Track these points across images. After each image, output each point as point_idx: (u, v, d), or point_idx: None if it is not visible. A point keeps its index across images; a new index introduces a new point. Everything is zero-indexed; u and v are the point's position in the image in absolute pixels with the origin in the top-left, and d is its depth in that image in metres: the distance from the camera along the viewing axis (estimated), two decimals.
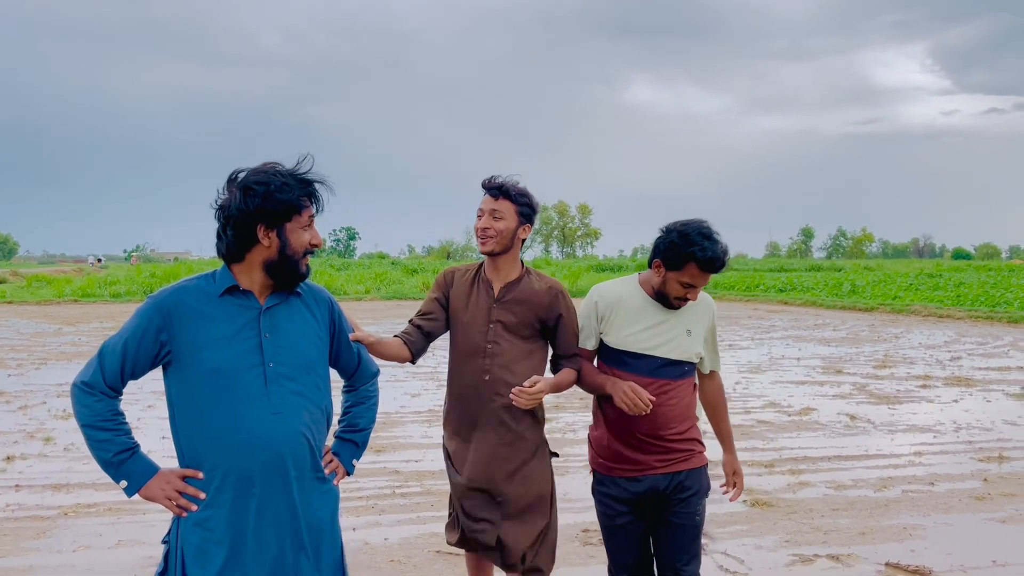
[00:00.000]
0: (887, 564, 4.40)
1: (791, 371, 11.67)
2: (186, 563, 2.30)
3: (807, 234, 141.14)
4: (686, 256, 2.83)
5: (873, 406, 9.06)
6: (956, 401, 9.39)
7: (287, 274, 2.36)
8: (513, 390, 2.91)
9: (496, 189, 3.08)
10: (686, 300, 2.94)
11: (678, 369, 2.99)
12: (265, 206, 2.27)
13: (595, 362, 3.17)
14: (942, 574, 4.25)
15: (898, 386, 10.42)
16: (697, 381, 3.14)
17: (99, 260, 73.07)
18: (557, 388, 3.07)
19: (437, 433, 7.45)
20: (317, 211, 2.40)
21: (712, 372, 3.17)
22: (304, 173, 2.37)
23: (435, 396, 9.43)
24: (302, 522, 2.36)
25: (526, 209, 3.11)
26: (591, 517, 5.07)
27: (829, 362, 12.66)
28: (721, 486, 3.22)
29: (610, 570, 3.16)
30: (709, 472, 3.14)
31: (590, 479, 5.86)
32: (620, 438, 3.01)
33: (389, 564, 4.38)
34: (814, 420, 8.25)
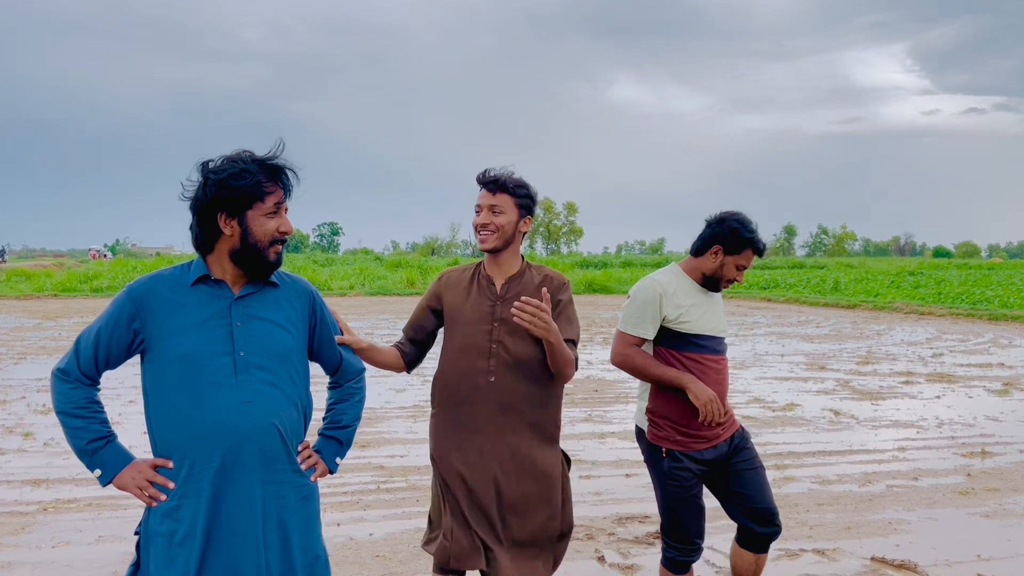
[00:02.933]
0: (873, 558, 4.41)
1: (775, 367, 11.71)
2: (153, 553, 2.27)
3: (789, 232, 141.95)
4: (745, 242, 3.20)
5: (856, 402, 9.10)
6: (939, 397, 9.45)
7: (254, 263, 2.30)
8: (519, 301, 2.66)
9: (493, 183, 2.90)
10: (732, 283, 3.29)
11: (724, 343, 3.37)
12: (221, 194, 2.24)
13: (650, 349, 3.29)
14: (927, 568, 4.26)
15: (881, 382, 10.47)
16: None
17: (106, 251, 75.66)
18: (559, 348, 2.78)
19: (422, 428, 7.41)
20: (285, 197, 2.33)
21: None
22: (268, 159, 2.30)
23: (420, 392, 9.38)
24: (272, 516, 2.31)
25: (526, 200, 2.93)
26: (578, 512, 5.04)
27: (812, 358, 12.71)
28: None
29: (678, 538, 3.27)
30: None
31: (578, 474, 5.89)
32: (691, 417, 3.20)
33: (374, 559, 4.34)
34: (798, 416, 8.28)
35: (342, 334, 2.66)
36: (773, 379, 10.60)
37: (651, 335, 3.23)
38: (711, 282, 3.29)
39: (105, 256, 69.95)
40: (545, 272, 3.03)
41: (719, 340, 3.31)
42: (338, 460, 2.56)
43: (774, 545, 4.58)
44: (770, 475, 6.04)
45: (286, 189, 2.34)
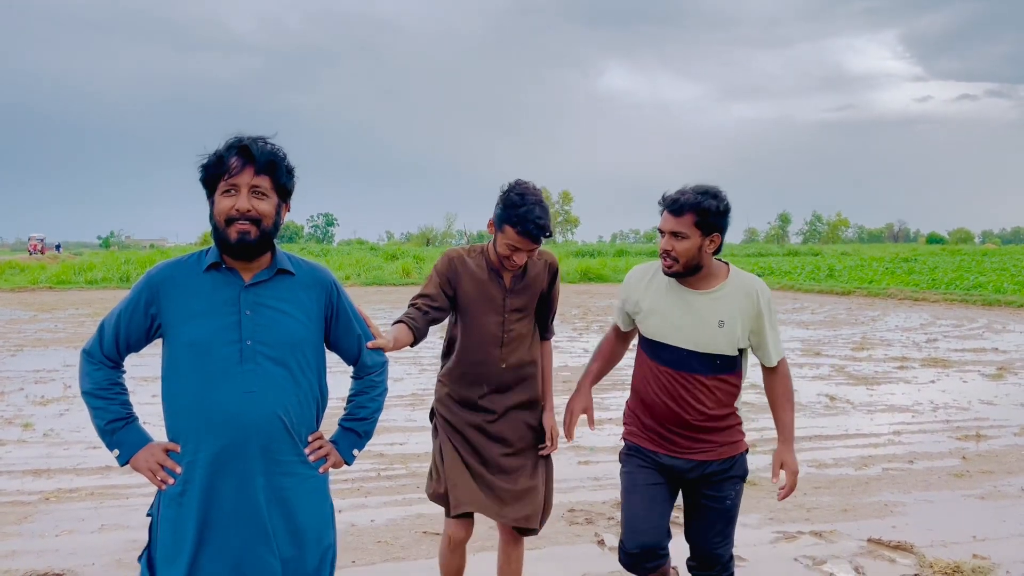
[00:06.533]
0: (869, 540, 4.45)
1: None
2: (160, 536, 2.29)
3: (784, 220, 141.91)
4: (661, 207, 2.89)
5: (852, 387, 9.15)
6: (933, 382, 9.51)
7: (222, 245, 2.29)
8: (546, 447, 3.18)
9: (543, 235, 2.94)
10: (666, 256, 2.80)
11: (708, 363, 2.81)
12: (200, 177, 2.28)
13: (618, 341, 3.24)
14: (923, 549, 4.31)
15: (876, 367, 10.53)
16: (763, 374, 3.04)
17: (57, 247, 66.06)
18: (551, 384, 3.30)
19: (420, 417, 7.44)
20: (239, 173, 2.22)
21: (772, 370, 2.99)
22: (243, 139, 2.26)
23: (417, 380, 9.41)
24: (274, 507, 2.30)
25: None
26: (577, 497, 5.11)
27: (808, 345, 12.77)
28: (773, 479, 3.06)
29: (622, 542, 2.94)
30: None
31: (576, 460, 5.93)
32: (652, 419, 2.95)
33: (376, 545, 4.38)
34: (794, 401, 8.30)
35: (368, 328, 2.58)
36: None
37: (623, 328, 3.13)
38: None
39: (42, 250, 57.44)
40: (545, 257, 3.22)
41: (682, 352, 2.83)
42: (355, 452, 2.54)
43: (772, 528, 4.64)
44: (767, 459, 6.07)
45: (259, 168, 2.24)
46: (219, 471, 2.25)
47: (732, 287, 2.84)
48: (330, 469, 2.47)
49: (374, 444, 6.41)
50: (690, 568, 3.05)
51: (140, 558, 2.38)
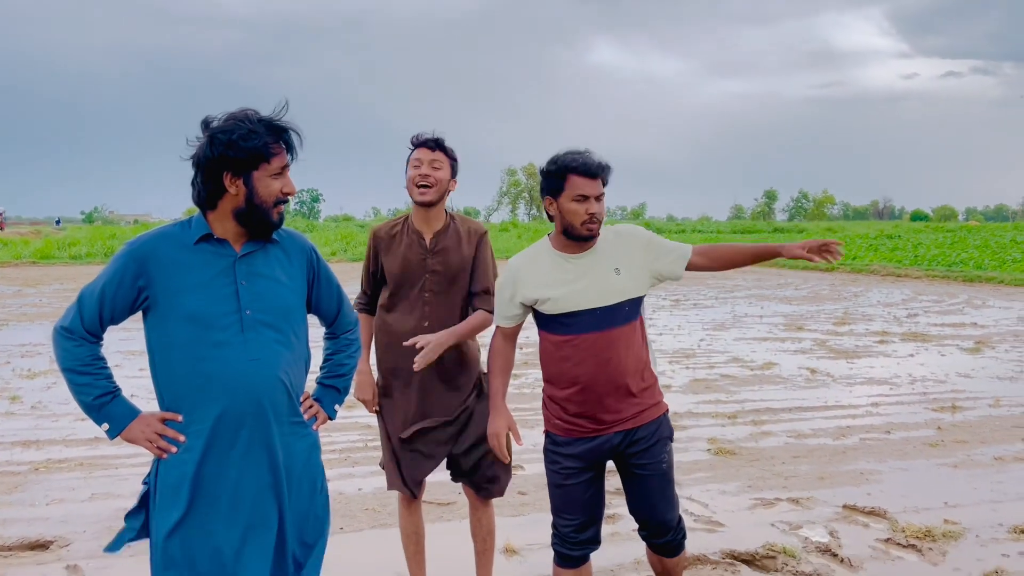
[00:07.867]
0: (844, 506, 4.57)
1: (754, 328, 11.90)
2: (162, 503, 2.33)
3: (770, 197, 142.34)
4: (563, 172, 2.78)
5: (832, 360, 9.29)
6: (912, 355, 9.66)
7: (257, 223, 2.34)
8: (417, 359, 3.03)
9: (433, 142, 3.18)
10: (595, 219, 2.79)
11: (619, 314, 2.83)
12: (229, 154, 2.26)
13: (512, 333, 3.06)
14: (896, 514, 4.43)
15: (857, 342, 10.68)
16: (700, 265, 2.98)
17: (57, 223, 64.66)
18: (462, 336, 3.14)
19: None
20: (292, 159, 2.38)
21: (694, 254, 2.96)
22: (275, 120, 2.33)
23: None
24: (281, 467, 2.38)
25: (455, 164, 3.23)
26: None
27: (790, 319, 12.92)
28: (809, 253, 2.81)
29: (556, 525, 2.94)
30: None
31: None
32: (575, 399, 2.85)
33: (364, 512, 4.47)
34: (776, 374, 8.45)
35: (339, 286, 2.67)
36: (752, 339, 10.78)
37: (508, 324, 2.97)
38: (572, 235, 2.82)
39: (0, 225, 53.67)
40: (468, 224, 3.32)
41: (595, 313, 2.81)
42: (336, 407, 2.65)
43: (750, 495, 4.75)
44: (747, 430, 6.21)
45: (291, 151, 2.37)
46: (227, 436, 2.31)
47: (604, 240, 2.90)
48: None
49: (361, 415, 6.49)
50: (643, 538, 3.01)
51: (128, 516, 2.41)
